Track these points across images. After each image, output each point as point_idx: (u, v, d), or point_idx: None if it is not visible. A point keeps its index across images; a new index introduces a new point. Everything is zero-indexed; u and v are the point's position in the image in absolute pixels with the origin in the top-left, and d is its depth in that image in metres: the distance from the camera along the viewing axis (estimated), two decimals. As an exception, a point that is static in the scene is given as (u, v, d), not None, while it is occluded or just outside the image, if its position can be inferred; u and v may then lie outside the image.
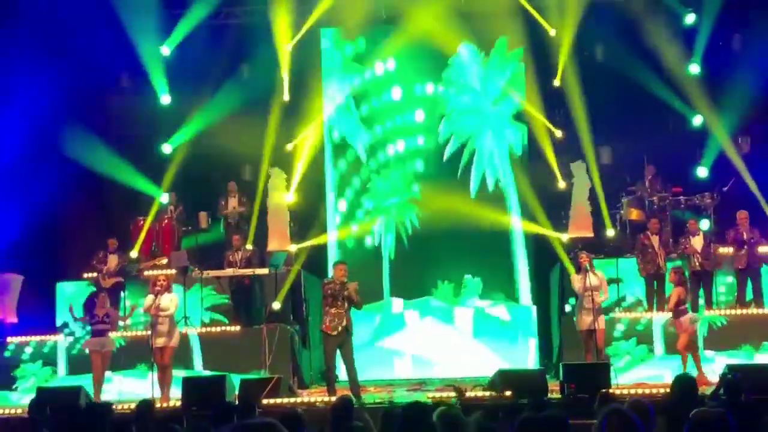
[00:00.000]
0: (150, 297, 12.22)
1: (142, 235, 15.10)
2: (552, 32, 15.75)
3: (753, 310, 13.43)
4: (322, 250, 16.01)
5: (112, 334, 12.85)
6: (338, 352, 11.84)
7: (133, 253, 15.00)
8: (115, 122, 16.01)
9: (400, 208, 16.15)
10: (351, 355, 11.76)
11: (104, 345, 12.48)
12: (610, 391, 10.68)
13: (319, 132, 16.07)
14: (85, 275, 14.53)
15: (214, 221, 15.75)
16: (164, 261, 14.47)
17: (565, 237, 14.76)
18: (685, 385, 7.61)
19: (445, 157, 16.14)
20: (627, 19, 15.38)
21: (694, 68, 15.73)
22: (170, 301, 12.20)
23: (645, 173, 15.19)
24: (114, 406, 8.46)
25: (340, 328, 11.59)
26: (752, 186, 14.60)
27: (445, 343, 15.59)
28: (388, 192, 16.23)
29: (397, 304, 15.86)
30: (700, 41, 15.78)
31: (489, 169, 16.23)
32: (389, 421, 6.44)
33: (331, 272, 13.08)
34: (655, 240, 13.88)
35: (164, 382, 12.10)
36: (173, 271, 14.10)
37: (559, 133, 15.65)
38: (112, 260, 14.29)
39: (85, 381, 12.38)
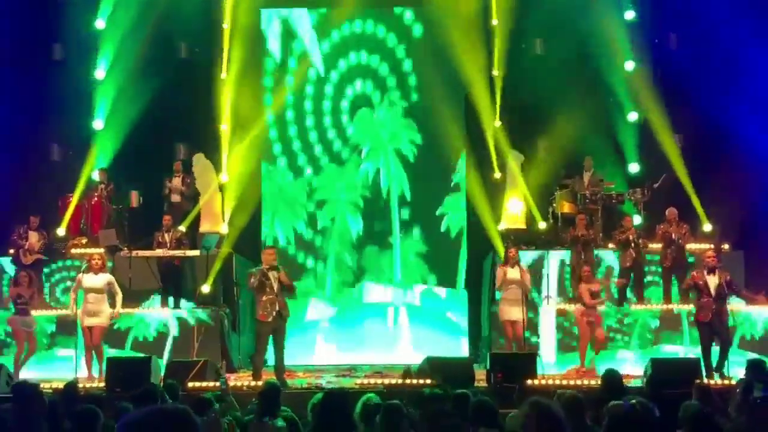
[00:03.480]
0: (82, 276, 12.05)
1: (69, 211, 14.75)
2: (494, 22, 15.82)
3: (678, 306, 13.64)
4: (255, 232, 15.82)
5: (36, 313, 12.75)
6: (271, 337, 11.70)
7: (61, 231, 14.66)
8: (45, 95, 15.55)
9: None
10: (283, 341, 11.65)
11: (29, 324, 12.40)
12: (535, 382, 10.80)
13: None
14: (11, 251, 14.17)
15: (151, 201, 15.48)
16: (84, 241, 14.24)
17: (501, 227, 14.84)
18: (612, 378, 7.80)
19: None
20: (568, 12, 15.48)
21: (630, 65, 15.93)
22: (103, 280, 12.00)
23: (584, 167, 15.26)
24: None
25: (274, 314, 11.43)
26: (685, 182, 14.81)
27: (376, 329, 15.58)
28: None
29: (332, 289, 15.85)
30: (638, 38, 15.97)
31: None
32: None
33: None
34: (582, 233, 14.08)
35: (92, 362, 12.02)
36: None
37: (497, 123, 15.68)
38: (33, 237, 13.94)
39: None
